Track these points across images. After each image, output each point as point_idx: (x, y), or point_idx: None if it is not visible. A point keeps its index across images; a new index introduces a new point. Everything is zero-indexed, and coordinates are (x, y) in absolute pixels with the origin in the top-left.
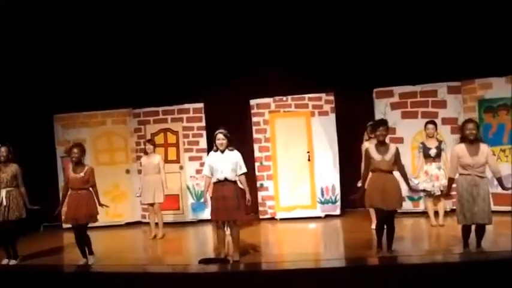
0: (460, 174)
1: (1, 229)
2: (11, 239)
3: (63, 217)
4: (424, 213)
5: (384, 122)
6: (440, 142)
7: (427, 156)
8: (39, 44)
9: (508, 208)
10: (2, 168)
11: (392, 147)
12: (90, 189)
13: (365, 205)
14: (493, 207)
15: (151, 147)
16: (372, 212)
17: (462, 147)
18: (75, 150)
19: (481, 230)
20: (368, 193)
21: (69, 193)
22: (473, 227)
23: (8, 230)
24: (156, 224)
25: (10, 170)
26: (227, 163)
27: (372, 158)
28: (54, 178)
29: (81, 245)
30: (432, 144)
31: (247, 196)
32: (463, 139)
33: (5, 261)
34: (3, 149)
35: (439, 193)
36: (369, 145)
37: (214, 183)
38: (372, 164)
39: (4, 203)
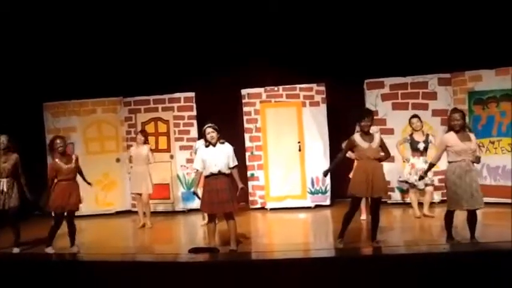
0: (453, 162)
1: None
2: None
3: (49, 205)
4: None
5: (368, 112)
6: (427, 136)
7: (415, 149)
8: (28, 32)
9: (493, 200)
10: (3, 157)
11: (377, 136)
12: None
13: (347, 193)
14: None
15: (142, 138)
16: (363, 203)
17: (453, 136)
18: (59, 141)
19: (473, 218)
20: (353, 181)
21: (56, 182)
22: (463, 217)
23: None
24: (144, 213)
25: (11, 159)
26: (220, 156)
27: (357, 146)
28: (44, 167)
29: (55, 232)
30: (420, 138)
31: (240, 186)
32: (450, 129)
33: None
34: (3, 137)
35: (423, 187)
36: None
37: (207, 176)
38: (359, 151)
39: (5, 190)
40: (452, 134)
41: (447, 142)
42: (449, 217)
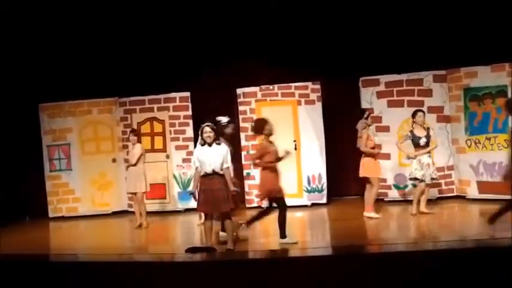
0: None
1: None
2: None
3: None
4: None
5: None
6: (428, 130)
7: (416, 145)
8: (24, 34)
9: (490, 196)
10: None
11: None
12: None
13: None
14: (478, 196)
15: (135, 138)
16: (368, 199)
17: None
18: (268, 126)
19: None
20: None
21: (264, 166)
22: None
23: None
24: (141, 213)
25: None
26: (215, 156)
27: None
28: (40, 167)
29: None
30: (421, 133)
31: (231, 189)
32: None
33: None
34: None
35: (430, 181)
36: None
37: (202, 176)
38: None
39: None
40: None
41: None
42: None
